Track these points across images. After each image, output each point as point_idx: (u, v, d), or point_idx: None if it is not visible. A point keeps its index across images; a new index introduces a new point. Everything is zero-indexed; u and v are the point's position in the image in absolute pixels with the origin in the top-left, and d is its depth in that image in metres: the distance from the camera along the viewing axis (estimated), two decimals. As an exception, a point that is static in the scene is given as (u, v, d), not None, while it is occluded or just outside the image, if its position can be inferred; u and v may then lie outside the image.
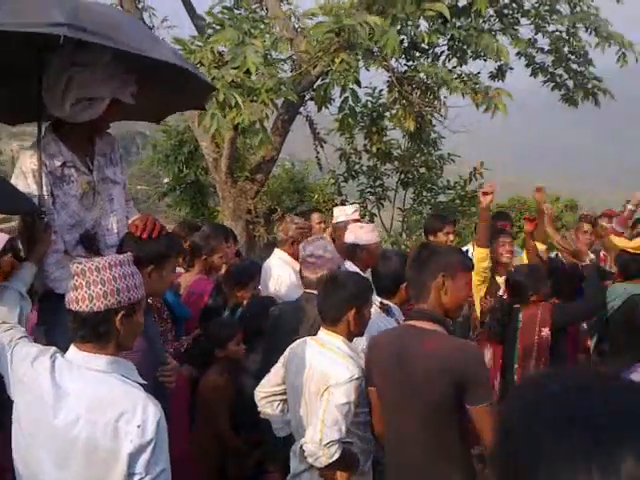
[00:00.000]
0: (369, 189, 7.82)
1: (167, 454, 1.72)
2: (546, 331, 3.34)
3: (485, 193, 3.84)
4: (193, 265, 3.86)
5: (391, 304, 3.00)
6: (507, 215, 5.56)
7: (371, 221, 7.80)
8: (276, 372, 2.67)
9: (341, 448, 2.33)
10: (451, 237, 4.70)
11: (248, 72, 4.54)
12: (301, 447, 2.40)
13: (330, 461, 2.31)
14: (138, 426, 1.64)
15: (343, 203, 7.81)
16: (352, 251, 3.63)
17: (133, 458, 1.63)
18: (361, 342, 2.69)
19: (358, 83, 5.89)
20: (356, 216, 4.73)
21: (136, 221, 2.43)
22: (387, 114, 7.32)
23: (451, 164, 8.21)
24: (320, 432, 2.30)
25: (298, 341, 2.62)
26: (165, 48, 2.39)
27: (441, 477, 2.20)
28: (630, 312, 3.86)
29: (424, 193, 8.06)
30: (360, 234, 3.64)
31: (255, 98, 4.57)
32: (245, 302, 3.70)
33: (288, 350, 2.64)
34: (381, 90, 7.26)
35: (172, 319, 3.21)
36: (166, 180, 10.62)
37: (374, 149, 7.75)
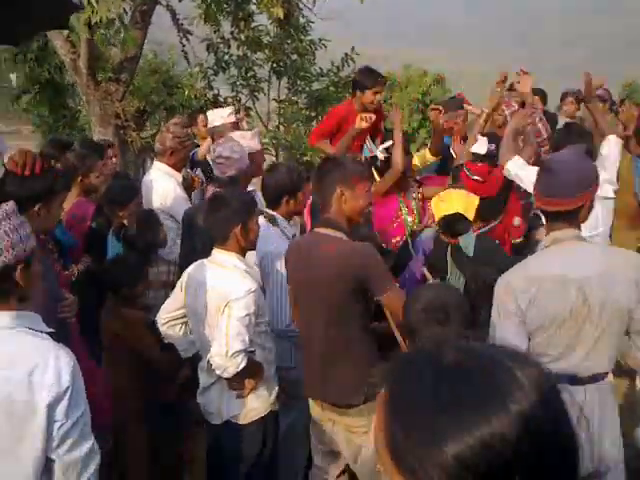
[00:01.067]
0: (241, 81, 7.57)
1: (84, 395, 1.77)
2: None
3: (434, 109, 4.15)
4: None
5: (276, 214, 3.11)
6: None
7: (247, 115, 7.67)
8: (175, 297, 2.75)
9: (246, 357, 2.49)
10: (378, 97, 4.59)
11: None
12: (209, 361, 2.55)
13: (237, 370, 2.48)
14: (53, 377, 1.67)
15: (216, 98, 7.56)
16: None
17: (52, 408, 1.67)
18: (252, 256, 2.82)
19: (220, -32, 5.55)
20: (232, 119, 4.60)
21: (15, 157, 2.28)
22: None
23: (323, 49, 8.10)
24: (225, 345, 2.44)
25: (194, 264, 2.69)
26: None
27: (340, 374, 2.46)
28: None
29: (298, 82, 7.96)
30: (243, 143, 3.63)
31: (110, -7, 4.19)
32: (126, 222, 3.61)
33: (185, 274, 2.71)
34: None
35: (57, 248, 3.10)
36: (13, 80, 9.56)
37: (242, 37, 7.44)
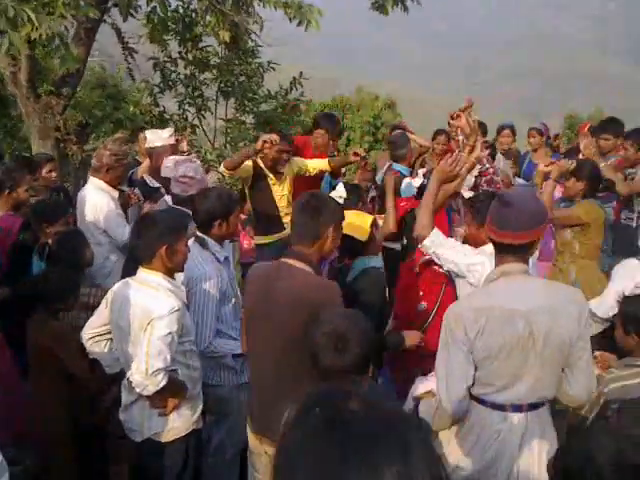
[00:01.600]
0: (188, 99, 7.60)
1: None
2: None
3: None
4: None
5: (207, 238, 3.14)
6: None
7: (193, 133, 7.69)
8: (100, 314, 2.76)
9: (167, 376, 2.52)
10: (320, 140, 5.18)
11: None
12: (129, 379, 2.56)
13: (157, 388, 2.50)
14: None
15: (162, 114, 7.54)
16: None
17: None
18: (180, 276, 2.84)
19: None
20: (172, 141, 4.67)
21: None
22: (201, 21, 7.05)
23: (272, 72, 8.21)
24: (145, 363, 2.46)
25: (119, 282, 2.71)
26: None
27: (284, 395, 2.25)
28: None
29: (246, 102, 8.03)
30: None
31: (52, 10, 4.17)
32: (50, 240, 3.58)
33: (110, 292, 2.72)
34: (191, -4, 6.91)
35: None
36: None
37: (190, 57, 7.49)
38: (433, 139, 6.14)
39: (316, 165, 4.92)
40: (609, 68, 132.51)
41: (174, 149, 4.60)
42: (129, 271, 3.08)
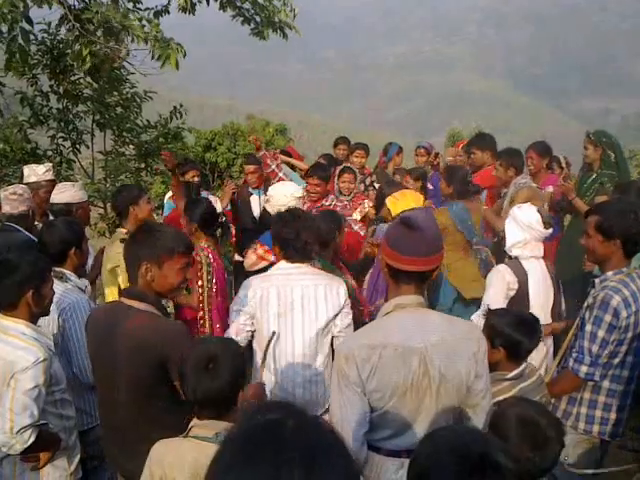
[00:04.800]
0: (61, 134, 7.33)
1: None
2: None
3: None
4: None
5: (64, 270, 3.07)
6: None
7: (69, 168, 7.43)
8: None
9: (36, 431, 2.37)
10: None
11: None
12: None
13: (25, 446, 2.35)
14: None
15: (34, 151, 7.22)
16: (68, 211, 4.06)
17: None
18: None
19: (29, 21, 5.41)
20: (48, 176, 4.64)
21: None
22: (70, 53, 6.86)
23: (149, 101, 8.11)
24: (10, 421, 2.31)
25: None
26: None
27: (139, 454, 2.17)
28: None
29: (125, 134, 7.87)
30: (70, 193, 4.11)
31: None
32: None
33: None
34: (57, 25, 6.71)
35: None
36: None
37: (61, 90, 7.25)
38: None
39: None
40: (487, 88, 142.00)
41: (51, 185, 4.51)
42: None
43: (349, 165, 5.74)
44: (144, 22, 5.77)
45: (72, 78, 7.19)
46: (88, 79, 7.18)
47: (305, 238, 2.96)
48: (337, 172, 5.63)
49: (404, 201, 3.92)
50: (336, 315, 2.98)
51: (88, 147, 7.52)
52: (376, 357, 1.91)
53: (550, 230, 3.44)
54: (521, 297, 3.36)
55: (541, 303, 3.42)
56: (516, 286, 3.37)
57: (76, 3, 6.26)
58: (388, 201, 4.01)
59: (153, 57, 5.42)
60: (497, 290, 3.40)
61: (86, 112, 7.42)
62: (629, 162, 7.15)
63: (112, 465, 2.54)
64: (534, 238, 3.42)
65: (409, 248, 1.95)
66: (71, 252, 3.07)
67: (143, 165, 8.09)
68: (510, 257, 3.52)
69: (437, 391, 1.95)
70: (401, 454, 2.00)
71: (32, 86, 7.10)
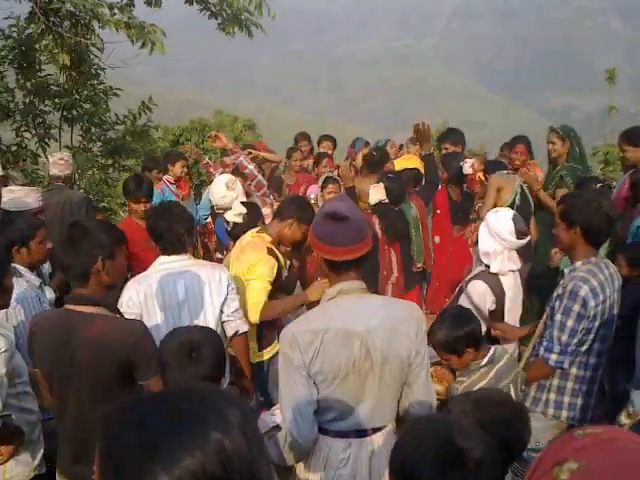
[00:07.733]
0: (26, 129, 7.20)
1: None
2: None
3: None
4: None
5: (17, 265, 3.12)
6: None
7: (34, 163, 7.32)
8: None
9: None
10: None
11: None
12: (-45, 431, 2.37)
13: (-14, 439, 2.34)
14: None
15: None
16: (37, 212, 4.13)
17: None
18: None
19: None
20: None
21: None
22: (38, 47, 6.75)
23: (127, 95, 8.01)
24: None
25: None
26: None
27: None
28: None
29: (92, 129, 7.76)
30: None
31: None
32: None
33: None
34: (27, 19, 6.58)
35: None
36: None
37: (29, 85, 7.13)
38: (288, 156, 6.33)
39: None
40: (455, 83, 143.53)
41: (3, 182, 4.44)
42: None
43: (332, 175, 5.77)
44: (115, 11, 5.73)
45: (41, 73, 7.10)
46: (58, 74, 7.08)
47: (178, 229, 2.98)
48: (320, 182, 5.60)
49: (410, 161, 5.02)
50: (222, 302, 3.06)
51: (56, 141, 7.40)
52: (318, 341, 1.96)
53: (524, 241, 3.29)
54: (496, 314, 3.36)
55: (514, 319, 3.45)
56: (494, 307, 3.35)
57: (43, -5, 6.15)
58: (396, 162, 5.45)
59: (133, 43, 5.35)
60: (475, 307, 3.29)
61: (54, 107, 7.30)
62: (592, 158, 7.33)
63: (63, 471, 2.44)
64: (506, 248, 3.29)
65: (340, 239, 2.00)
66: (14, 249, 3.19)
67: (110, 162, 8.01)
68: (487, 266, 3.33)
69: (380, 373, 2.00)
70: (348, 434, 2.07)
71: (-1, 81, 6.97)
